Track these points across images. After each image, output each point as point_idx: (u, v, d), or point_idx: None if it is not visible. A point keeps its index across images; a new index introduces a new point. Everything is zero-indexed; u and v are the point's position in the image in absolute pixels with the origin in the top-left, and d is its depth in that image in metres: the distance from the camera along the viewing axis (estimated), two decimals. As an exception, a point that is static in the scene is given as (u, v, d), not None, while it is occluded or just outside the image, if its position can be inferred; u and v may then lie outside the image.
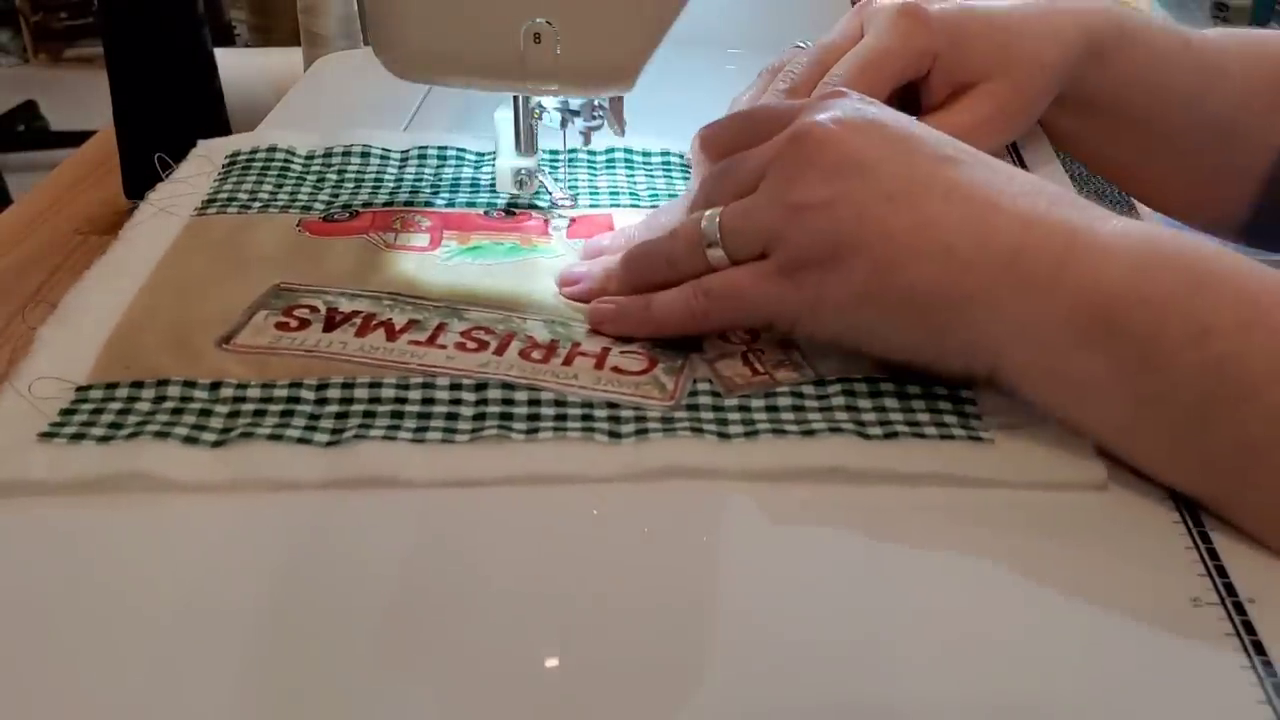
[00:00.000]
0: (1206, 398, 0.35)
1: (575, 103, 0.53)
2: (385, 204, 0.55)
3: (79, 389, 0.41)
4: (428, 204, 0.55)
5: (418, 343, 0.44)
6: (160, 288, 0.48)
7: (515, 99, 0.52)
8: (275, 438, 0.39)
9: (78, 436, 0.38)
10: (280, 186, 0.56)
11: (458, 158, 0.60)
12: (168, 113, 0.69)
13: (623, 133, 0.59)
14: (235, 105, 0.73)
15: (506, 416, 0.40)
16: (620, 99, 0.53)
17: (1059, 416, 0.39)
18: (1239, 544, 0.36)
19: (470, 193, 0.57)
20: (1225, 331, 0.35)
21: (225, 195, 0.55)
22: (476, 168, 0.59)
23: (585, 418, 0.40)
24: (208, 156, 0.59)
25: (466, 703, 0.31)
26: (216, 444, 0.38)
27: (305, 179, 0.57)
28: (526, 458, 0.38)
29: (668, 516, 0.37)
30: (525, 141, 0.53)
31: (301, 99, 0.71)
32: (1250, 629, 0.32)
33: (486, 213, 0.55)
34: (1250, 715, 0.30)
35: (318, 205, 0.55)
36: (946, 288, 0.38)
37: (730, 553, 0.36)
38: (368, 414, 0.40)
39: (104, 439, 0.38)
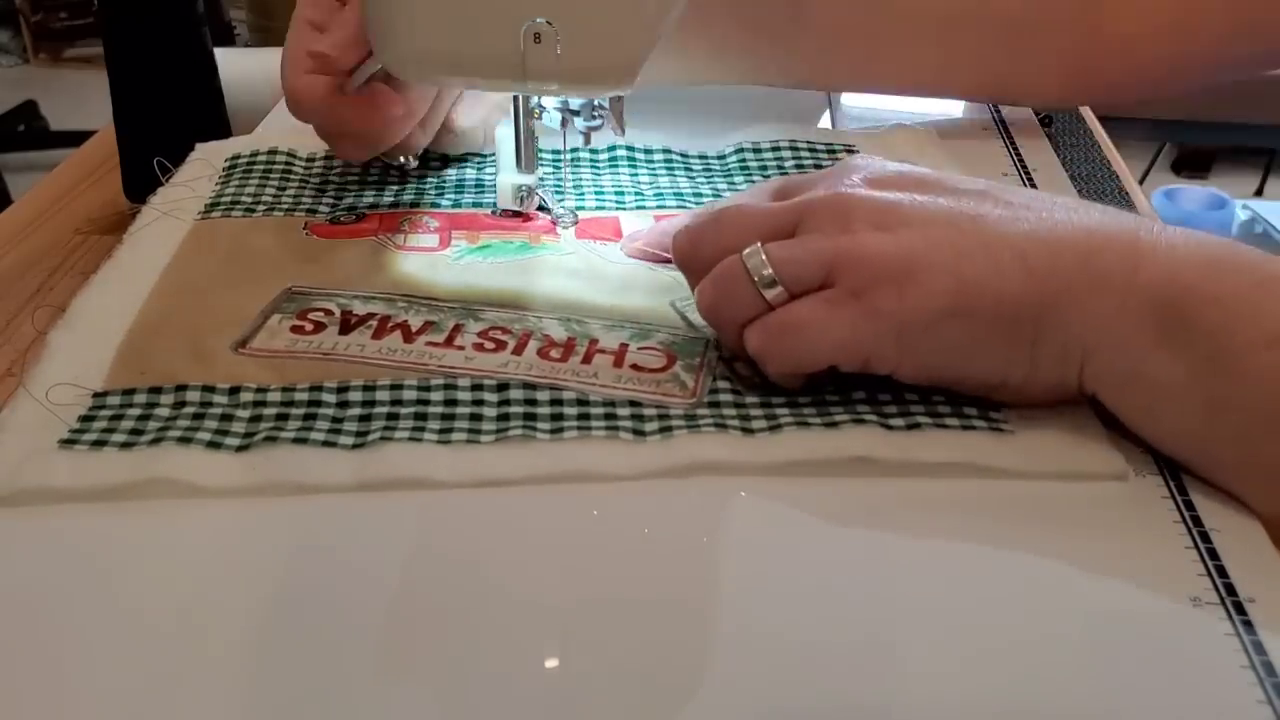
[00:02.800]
0: (1278, 403, 0.35)
1: (575, 103, 0.53)
2: (391, 206, 0.55)
3: (95, 395, 0.41)
4: (434, 205, 0.55)
5: (435, 344, 0.44)
6: (170, 292, 0.47)
7: (515, 103, 0.52)
8: (300, 441, 0.39)
9: (99, 443, 0.38)
10: (283, 190, 0.56)
11: (460, 159, 0.60)
12: (168, 112, 0.69)
13: (623, 132, 0.59)
14: (235, 105, 0.73)
15: (530, 416, 0.40)
16: (620, 99, 0.53)
17: (1135, 427, 0.39)
18: (1239, 543, 0.36)
19: (475, 193, 0.57)
20: None
21: (229, 198, 0.55)
22: (479, 169, 0.59)
23: (609, 416, 0.40)
24: (207, 159, 0.59)
25: (497, 701, 0.31)
26: (241, 448, 0.38)
27: (308, 182, 0.57)
28: (553, 457, 0.39)
29: (695, 512, 0.38)
30: (526, 159, 0.53)
31: (301, 99, 0.71)
32: (1250, 629, 0.32)
33: (493, 213, 0.55)
34: (1250, 715, 0.30)
35: (322, 208, 0.55)
36: (1031, 295, 0.37)
37: (757, 547, 0.37)
38: (391, 416, 0.40)
39: (126, 445, 0.38)
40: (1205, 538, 0.36)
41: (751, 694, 0.31)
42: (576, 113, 0.53)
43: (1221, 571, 0.34)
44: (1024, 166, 0.60)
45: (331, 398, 0.41)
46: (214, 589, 0.34)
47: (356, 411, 0.40)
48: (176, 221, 0.53)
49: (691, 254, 0.43)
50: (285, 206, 0.55)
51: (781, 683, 0.31)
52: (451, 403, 0.41)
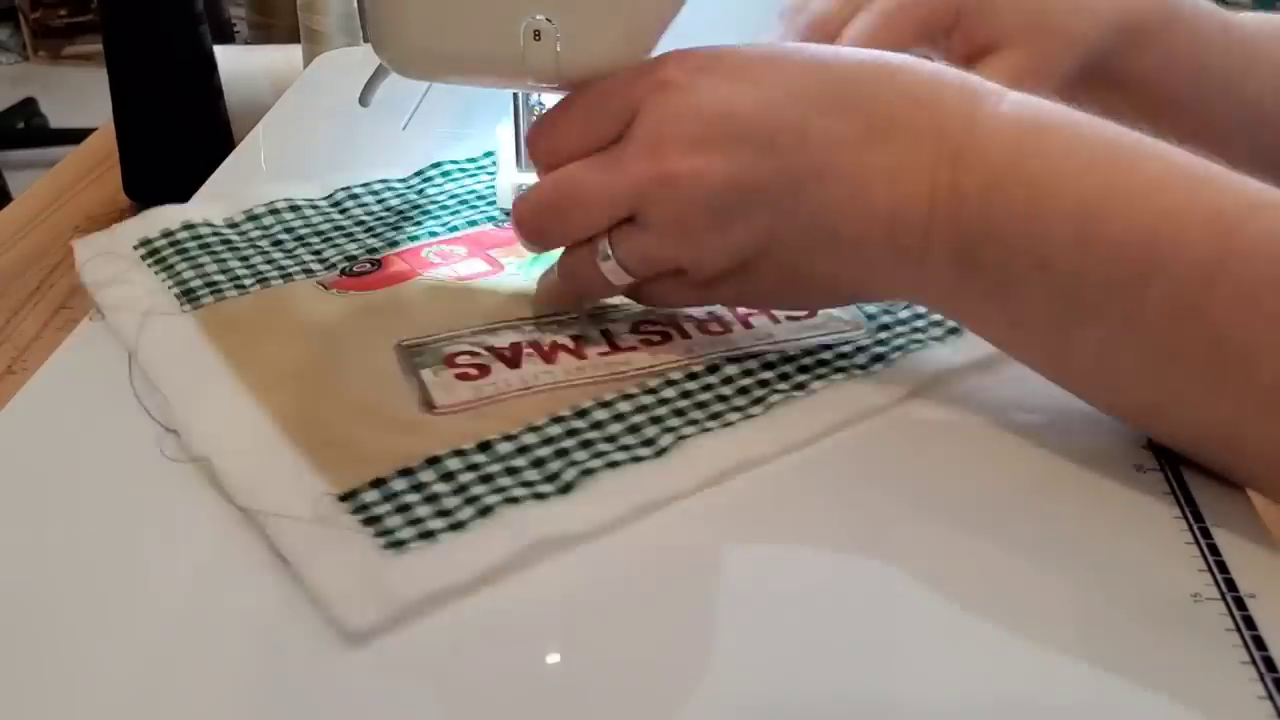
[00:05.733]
0: (1060, 317, 0.37)
1: (575, 100, 0.52)
2: (390, 245, 0.52)
3: (340, 499, 0.36)
4: (432, 234, 0.53)
5: (606, 353, 0.44)
6: (272, 387, 0.42)
7: (515, 103, 0.52)
8: (614, 465, 0.38)
9: (427, 535, 0.35)
10: (248, 259, 0.51)
11: (415, 187, 0.58)
12: (167, 110, 0.69)
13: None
14: (234, 102, 0.73)
15: (764, 383, 0.43)
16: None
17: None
18: (1240, 539, 0.36)
19: (468, 210, 0.55)
20: (1061, 252, 0.36)
21: (199, 280, 0.49)
22: (456, 188, 0.58)
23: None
24: (112, 252, 0.51)
25: (501, 699, 0.31)
26: (565, 489, 0.37)
27: (258, 246, 0.52)
28: (787, 430, 0.41)
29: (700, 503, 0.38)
30: (526, 156, 0.53)
31: (301, 96, 0.71)
32: (1251, 624, 0.32)
33: (500, 224, 0.54)
34: (1250, 711, 0.30)
35: (315, 266, 0.51)
36: (844, 270, 0.41)
37: (757, 543, 0.37)
38: (678, 413, 0.41)
39: (458, 526, 0.35)
40: (1206, 533, 0.36)
41: (751, 692, 0.31)
42: (576, 110, 0.53)
43: (1222, 567, 0.35)
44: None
45: (582, 423, 0.40)
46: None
47: (625, 424, 0.40)
48: (160, 318, 0.46)
49: (534, 235, 0.44)
50: (271, 274, 0.50)
51: (780, 681, 0.31)
52: (707, 387, 0.42)
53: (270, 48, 0.86)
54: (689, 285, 0.43)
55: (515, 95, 0.52)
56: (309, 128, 0.66)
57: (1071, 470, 0.39)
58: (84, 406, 0.43)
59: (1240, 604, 0.33)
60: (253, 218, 0.54)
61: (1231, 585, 0.34)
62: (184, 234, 0.52)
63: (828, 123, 0.40)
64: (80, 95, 2.80)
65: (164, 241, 0.51)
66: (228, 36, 1.12)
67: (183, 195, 0.57)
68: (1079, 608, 0.34)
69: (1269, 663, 0.31)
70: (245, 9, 0.95)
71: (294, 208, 0.55)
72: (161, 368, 0.43)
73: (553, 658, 0.33)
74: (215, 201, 0.55)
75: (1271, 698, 0.30)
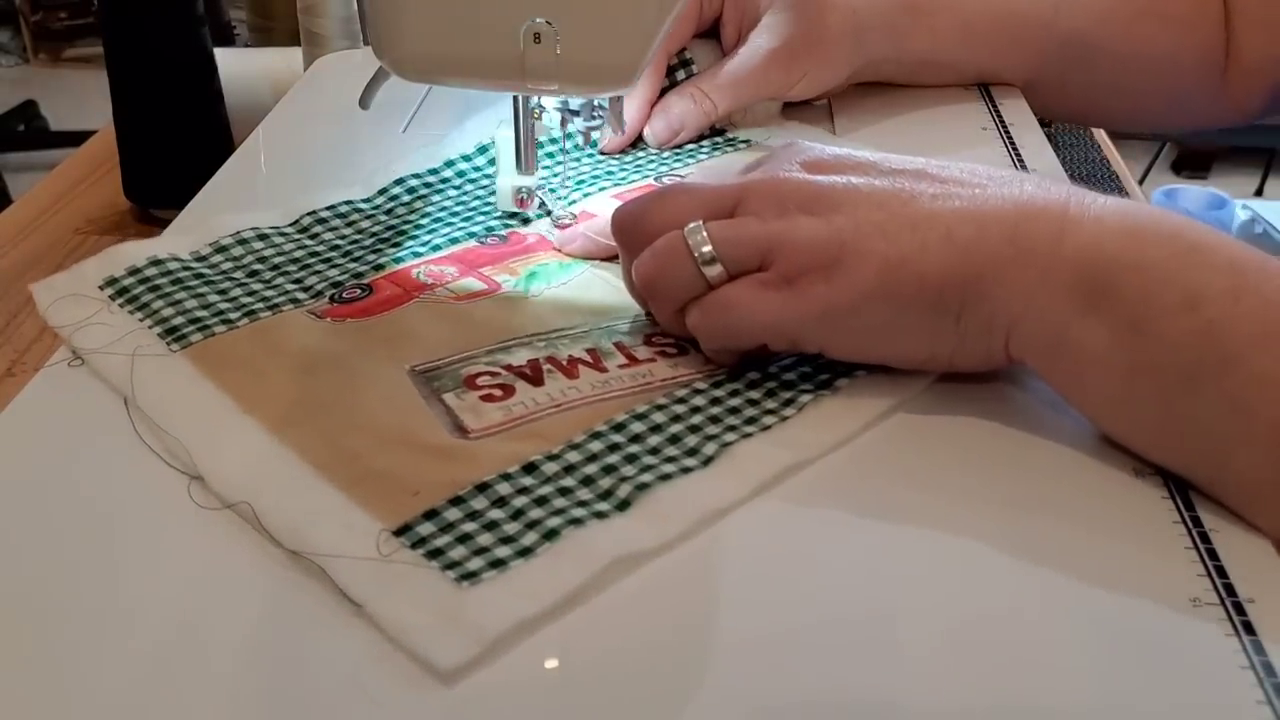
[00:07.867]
0: (1195, 364, 0.36)
1: (575, 102, 0.53)
2: (375, 269, 0.51)
3: (395, 534, 0.35)
4: (416, 255, 0.52)
5: (626, 365, 0.44)
6: (291, 423, 0.41)
7: (515, 105, 0.52)
8: (665, 478, 0.38)
9: (497, 564, 0.34)
10: (226, 292, 0.48)
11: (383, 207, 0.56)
12: (168, 112, 0.69)
13: (623, 132, 0.59)
14: (235, 105, 0.73)
15: (789, 384, 0.42)
16: (620, 99, 0.53)
17: (1062, 394, 0.40)
18: (1239, 544, 0.36)
19: (444, 227, 0.54)
20: (1215, 298, 0.36)
21: (184, 318, 0.46)
22: (417, 222, 0.55)
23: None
24: (77, 293, 0.48)
25: (499, 700, 0.31)
26: (621, 506, 0.36)
27: (233, 278, 0.50)
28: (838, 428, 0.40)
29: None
30: (526, 159, 0.53)
31: (301, 99, 0.71)
32: (1250, 629, 0.32)
33: (482, 240, 0.53)
34: (1250, 715, 0.30)
35: (301, 295, 0.49)
36: (955, 270, 0.39)
37: (758, 541, 0.36)
38: (714, 420, 0.41)
39: (525, 552, 0.35)
40: (1205, 539, 0.36)
41: (749, 691, 0.31)
42: (576, 113, 0.53)
43: (1221, 572, 0.35)
44: (1024, 168, 0.60)
45: (621, 436, 0.40)
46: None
47: (664, 435, 0.40)
48: (151, 358, 0.44)
49: (632, 228, 0.44)
50: (257, 307, 0.47)
51: (778, 680, 0.31)
52: (735, 393, 0.42)
53: (270, 50, 0.86)
54: (770, 283, 0.40)
55: (515, 98, 0.52)
56: (309, 130, 0.66)
57: (1071, 474, 0.39)
58: (70, 451, 0.40)
59: (1240, 609, 0.33)
60: (220, 249, 0.52)
61: (1231, 590, 0.34)
62: (153, 270, 0.49)
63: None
64: (80, 98, 2.81)
65: (133, 280, 0.48)
66: (228, 39, 1.12)
67: (183, 198, 0.57)
68: (1078, 612, 0.34)
69: (1268, 668, 0.31)
70: (245, 12, 0.95)
71: (262, 236, 0.53)
72: (167, 412, 0.41)
73: (551, 663, 0.33)
74: (179, 235, 0.52)
75: (1271, 703, 0.30)
